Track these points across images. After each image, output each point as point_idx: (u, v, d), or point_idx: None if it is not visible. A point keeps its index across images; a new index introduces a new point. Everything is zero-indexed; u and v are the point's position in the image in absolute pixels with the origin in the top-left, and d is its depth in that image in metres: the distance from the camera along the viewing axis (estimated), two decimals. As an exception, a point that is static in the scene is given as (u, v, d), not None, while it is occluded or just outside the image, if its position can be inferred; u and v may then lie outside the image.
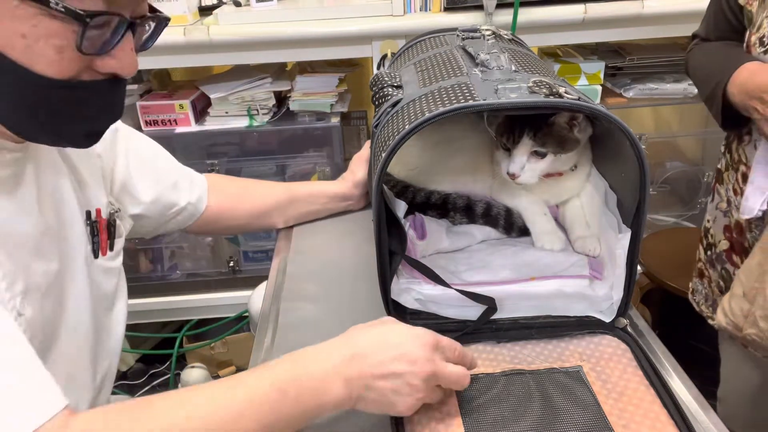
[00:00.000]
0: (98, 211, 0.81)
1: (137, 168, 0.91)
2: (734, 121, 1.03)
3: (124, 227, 0.88)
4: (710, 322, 1.02)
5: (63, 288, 0.73)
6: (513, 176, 0.85)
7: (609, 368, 0.73)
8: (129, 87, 1.79)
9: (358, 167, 1.11)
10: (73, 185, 0.77)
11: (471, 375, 0.71)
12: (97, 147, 0.83)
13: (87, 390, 0.78)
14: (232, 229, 1.27)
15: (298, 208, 1.10)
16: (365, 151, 1.10)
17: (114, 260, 0.84)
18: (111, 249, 0.83)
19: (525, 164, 0.84)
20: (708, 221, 1.18)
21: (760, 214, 0.96)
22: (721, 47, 1.08)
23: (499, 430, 0.65)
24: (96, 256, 0.80)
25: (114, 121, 0.69)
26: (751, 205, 0.96)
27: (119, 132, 0.89)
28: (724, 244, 1.12)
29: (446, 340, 0.65)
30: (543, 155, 0.84)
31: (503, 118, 0.86)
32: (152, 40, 0.71)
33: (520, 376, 0.73)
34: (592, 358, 0.75)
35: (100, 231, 0.80)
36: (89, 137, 0.68)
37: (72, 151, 0.79)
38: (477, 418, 0.67)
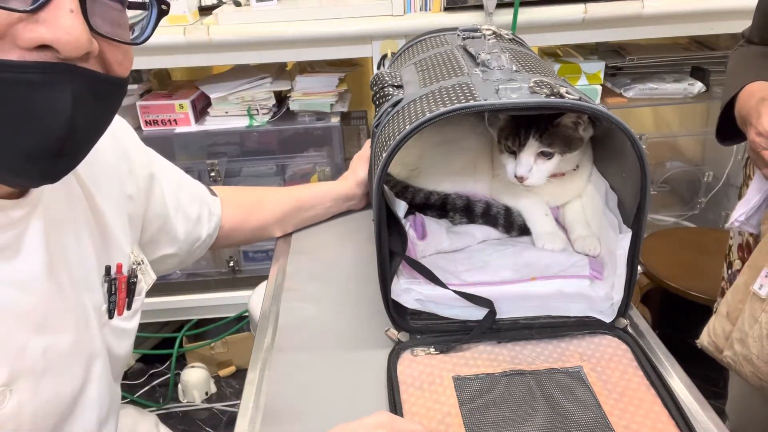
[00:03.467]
0: (119, 267, 0.71)
1: (173, 205, 0.85)
2: (733, 135, 1.02)
3: (145, 282, 0.78)
4: (696, 341, 1.01)
5: (82, 364, 0.64)
6: (521, 179, 0.84)
7: (609, 368, 0.73)
8: (129, 87, 1.81)
9: (360, 166, 1.08)
10: (93, 237, 0.67)
11: (471, 375, 0.71)
12: (129, 187, 0.75)
13: None
14: (233, 245, 1.22)
15: (301, 214, 1.05)
16: (366, 150, 1.09)
17: (130, 321, 0.75)
18: (128, 308, 0.73)
19: (532, 166, 0.84)
20: (731, 238, 1.17)
21: (737, 224, 0.96)
22: (754, 56, 1.06)
23: (500, 430, 0.65)
24: (111, 317, 0.70)
25: (71, 139, 0.49)
26: (735, 214, 0.96)
27: (154, 165, 0.81)
28: (737, 264, 1.11)
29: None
30: (550, 156, 0.83)
31: (506, 120, 0.86)
32: (145, 31, 0.57)
33: (521, 376, 0.72)
34: (592, 358, 0.75)
35: (119, 289, 0.70)
36: (37, 163, 0.48)
37: (97, 192, 0.67)
38: (477, 418, 0.67)
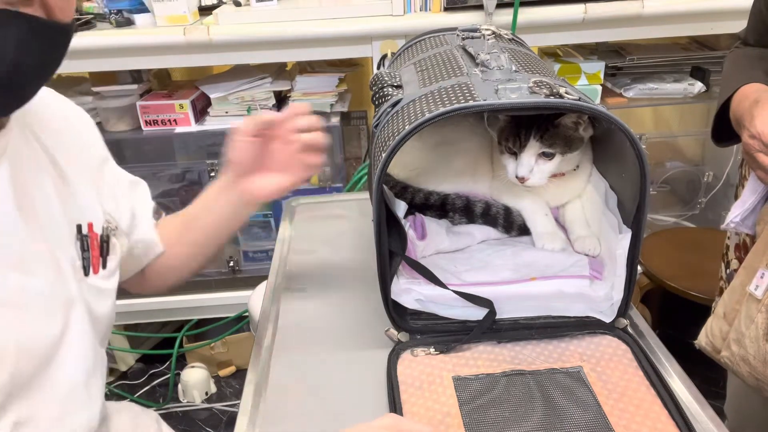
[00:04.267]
0: (90, 225, 0.72)
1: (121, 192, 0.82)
2: (729, 136, 1.02)
3: (120, 245, 0.78)
4: (694, 342, 1.02)
5: (60, 309, 0.65)
6: (522, 180, 0.84)
7: (609, 369, 0.73)
8: (129, 87, 1.82)
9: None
10: (61, 197, 0.68)
11: (471, 375, 0.71)
12: (93, 160, 0.77)
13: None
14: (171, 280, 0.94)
15: (193, 225, 0.89)
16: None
17: (108, 280, 0.74)
18: (104, 267, 0.73)
19: (533, 167, 0.84)
20: (728, 238, 1.17)
21: (733, 225, 0.96)
22: (749, 58, 1.06)
23: (500, 431, 0.65)
24: (86, 274, 0.70)
25: (15, 78, 0.53)
26: (731, 215, 0.96)
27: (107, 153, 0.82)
28: (735, 263, 1.11)
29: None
30: (551, 156, 0.83)
31: (506, 121, 0.86)
32: None
33: (521, 376, 0.73)
34: (592, 358, 0.75)
35: (92, 247, 0.71)
36: None
37: (63, 159, 0.70)
38: (477, 418, 0.67)
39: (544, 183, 0.85)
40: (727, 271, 1.16)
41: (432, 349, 0.77)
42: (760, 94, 0.91)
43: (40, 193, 0.66)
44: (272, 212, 1.89)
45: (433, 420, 0.67)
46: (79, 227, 0.70)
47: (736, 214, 0.95)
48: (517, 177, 0.84)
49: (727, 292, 0.95)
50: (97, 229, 0.73)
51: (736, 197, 1.12)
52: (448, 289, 0.77)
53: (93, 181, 0.76)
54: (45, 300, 0.64)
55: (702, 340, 0.99)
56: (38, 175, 0.66)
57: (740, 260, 1.08)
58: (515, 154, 0.85)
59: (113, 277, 0.76)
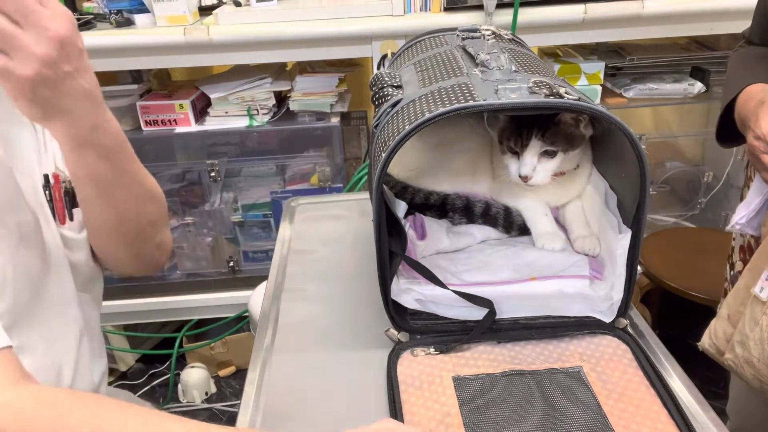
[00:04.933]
0: (56, 177, 0.73)
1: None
2: (733, 137, 1.02)
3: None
4: (698, 343, 1.01)
5: (42, 242, 0.70)
6: (525, 179, 0.84)
7: (609, 369, 0.73)
8: (129, 87, 1.82)
9: None
10: (35, 143, 0.72)
11: (471, 375, 0.71)
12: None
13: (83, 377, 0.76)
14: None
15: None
16: None
17: (78, 233, 0.77)
18: (71, 219, 0.75)
19: (536, 165, 0.84)
20: (733, 239, 1.17)
21: (738, 227, 0.96)
22: (753, 58, 1.05)
23: (499, 431, 0.65)
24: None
25: None
26: (736, 217, 0.95)
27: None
28: (739, 265, 1.11)
29: None
30: (553, 154, 0.83)
31: (506, 121, 0.86)
32: None
33: (521, 376, 0.73)
34: (592, 358, 0.75)
35: (55, 198, 0.73)
36: None
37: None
38: (477, 418, 0.67)
39: (547, 182, 0.85)
40: (732, 272, 1.15)
41: (432, 349, 0.77)
42: (766, 94, 0.91)
43: (20, 141, 0.71)
44: (272, 212, 1.89)
45: (433, 420, 0.67)
46: (46, 177, 0.72)
47: (741, 215, 0.95)
48: (520, 176, 0.84)
49: (731, 294, 0.95)
50: (64, 181, 0.74)
51: (741, 198, 1.12)
52: (448, 289, 0.77)
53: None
54: (33, 234, 0.69)
55: (705, 342, 0.99)
56: (16, 125, 0.71)
57: (745, 262, 1.08)
58: (517, 154, 0.84)
59: (83, 231, 0.77)
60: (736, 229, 0.96)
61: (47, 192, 0.73)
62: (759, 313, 0.87)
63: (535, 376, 0.72)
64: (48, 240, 0.72)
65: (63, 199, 0.73)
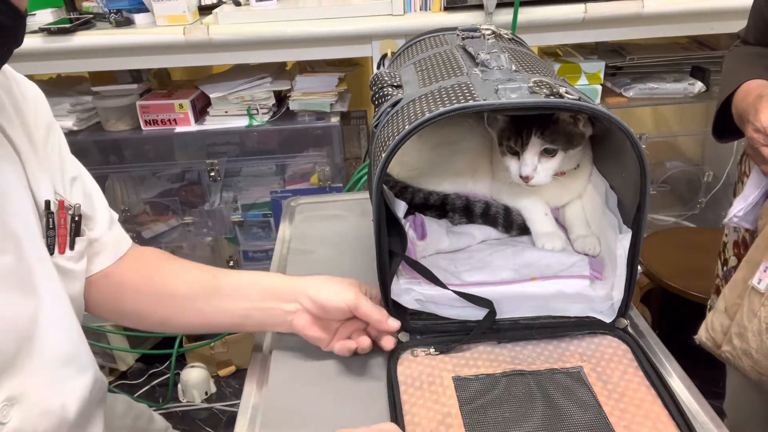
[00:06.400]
0: (61, 203, 0.70)
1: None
2: (730, 133, 1.02)
3: (88, 228, 0.75)
4: (694, 337, 1.02)
5: (30, 285, 0.64)
6: (527, 179, 0.84)
7: (610, 369, 0.73)
8: (128, 87, 1.82)
9: (336, 284, 0.79)
10: (16, 169, 0.66)
11: (472, 376, 0.71)
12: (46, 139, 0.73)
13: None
14: (117, 318, 0.85)
15: (214, 302, 0.79)
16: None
17: (77, 263, 0.72)
18: (71, 248, 0.70)
19: (537, 165, 0.83)
20: (726, 235, 1.17)
21: (736, 220, 0.96)
22: (750, 55, 1.06)
23: (500, 431, 0.65)
24: (52, 253, 0.68)
25: None
26: (733, 210, 0.96)
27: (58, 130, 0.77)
28: (733, 261, 1.11)
29: None
30: (553, 153, 0.83)
31: (506, 122, 0.85)
32: None
33: (521, 376, 0.72)
34: (592, 358, 0.75)
35: (58, 225, 0.69)
36: None
37: (18, 136, 0.68)
38: (478, 419, 0.67)
39: (548, 182, 0.85)
40: (724, 268, 1.16)
41: (432, 350, 0.77)
42: (764, 89, 0.91)
43: None
44: (272, 212, 1.89)
45: (433, 420, 0.67)
46: (47, 203, 0.69)
47: (738, 208, 0.95)
48: (521, 177, 0.84)
49: (728, 286, 0.95)
50: (68, 208, 0.71)
51: (734, 194, 1.12)
52: (448, 289, 0.77)
53: (48, 159, 0.72)
54: (15, 276, 0.63)
55: (702, 335, 0.99)
56: None
57: (739, 257, 1.08)
58: (517, 154, 0.84)
59: (82, 260, 0.73)
60: (733, 222, 0.97)
61: (48, 219, 0.68)
62: (757, 305, 0.87)
63: (536, 377, 0.72)
64: (36, 275, 0.66)
65: (68, 226, 0.70)
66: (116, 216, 0.82)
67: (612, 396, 0.69)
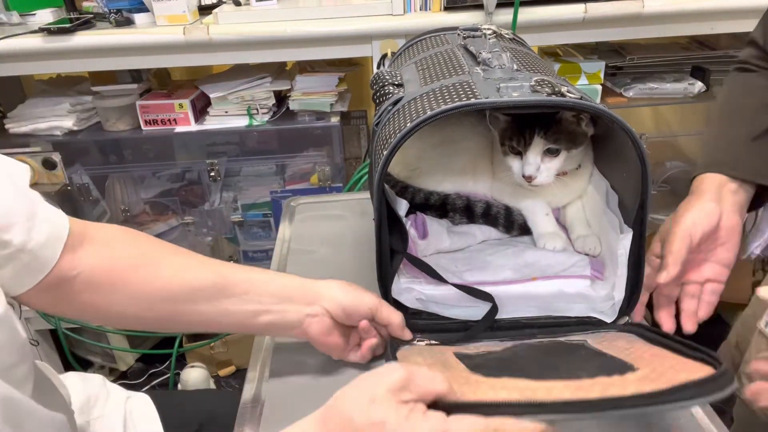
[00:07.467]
0: None
1: None
2: None
3: None
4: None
5: None
6: (530, 179, 0.83)
7: (613, 348, 0.71)
8: (128, 86, 1.81)
9: (356, 290, 0.74)
10: None
11: (474, 353, 0.68)
12: None
13: None
14: (109, 317, 0.72)
15: (222, 303, 0.70)
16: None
17: None
18: None
19: (540, 165, 0.83)
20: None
21: (754, 255, 0.96)
22: (747, 95, 0.93)
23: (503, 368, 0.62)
24: None
25: None
26: (751, 246, 0.96)
27: None
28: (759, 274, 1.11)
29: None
30: (556, 153, 0.83)
31: (508, 122, 0.85)
32: None
33: (524, 346, 0.71)
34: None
35: None
36: None
37: None
38: (479, 362, 0.62)
39: (550, 182, 0.84)
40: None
41: (433, 340, 0.76)
42: (683, 214, 0.83)
43: None
44: (272, 212, 1.89)
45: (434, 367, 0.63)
46: None
47: (756, 244, 0.95)
48: (524, 176, 0.84)
49: (739, 320, 0.94)
50: None
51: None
52: (448, 283, 0.77)
53: None
54: None
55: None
56: None
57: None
58: (520, 154, 0.84)
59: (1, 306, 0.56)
60: (754, 255, 0.97)
61: None
62: (764, 349, 0.86)
63: (540, 345, 0.71)
64: None
65: None
66: (38, 197, 0.64)
67: (621, 354, 0.62)
